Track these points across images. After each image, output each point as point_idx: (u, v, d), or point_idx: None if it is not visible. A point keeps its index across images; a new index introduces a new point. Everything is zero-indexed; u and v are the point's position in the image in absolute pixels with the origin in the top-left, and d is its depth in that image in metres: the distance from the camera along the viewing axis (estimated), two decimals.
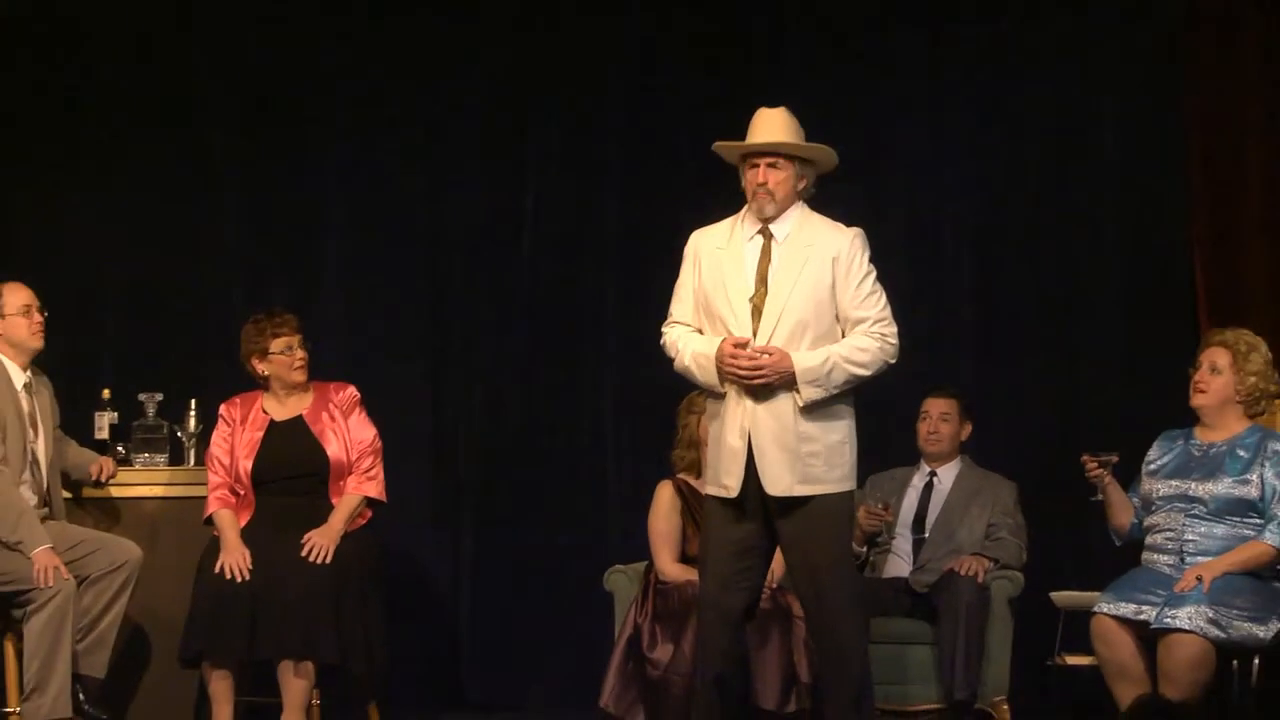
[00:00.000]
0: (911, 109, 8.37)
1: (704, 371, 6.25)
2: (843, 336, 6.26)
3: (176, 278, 8.68)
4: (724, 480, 6.23)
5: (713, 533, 6.33)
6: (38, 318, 7.25)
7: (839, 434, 6.26)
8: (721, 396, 6.26)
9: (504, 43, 8.72)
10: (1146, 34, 8.42)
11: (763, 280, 6.25)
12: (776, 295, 6.22)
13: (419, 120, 8.78)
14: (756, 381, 6.12)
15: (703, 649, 6.44)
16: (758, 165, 6.29)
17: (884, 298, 6.29)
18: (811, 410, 6.19)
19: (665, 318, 6.45)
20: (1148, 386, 8.08)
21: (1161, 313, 8.37)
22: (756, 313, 6.22)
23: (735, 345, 6.13)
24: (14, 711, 7.03)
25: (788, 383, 6.13)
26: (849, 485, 6.33)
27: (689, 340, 6.32)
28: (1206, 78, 8.32)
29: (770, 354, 6.11)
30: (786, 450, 6.17)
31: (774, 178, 6.27)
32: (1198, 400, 6.96)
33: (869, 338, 6.23)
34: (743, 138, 6.38)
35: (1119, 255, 8.47)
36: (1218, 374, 6.93)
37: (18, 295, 7.26)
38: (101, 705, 7.15)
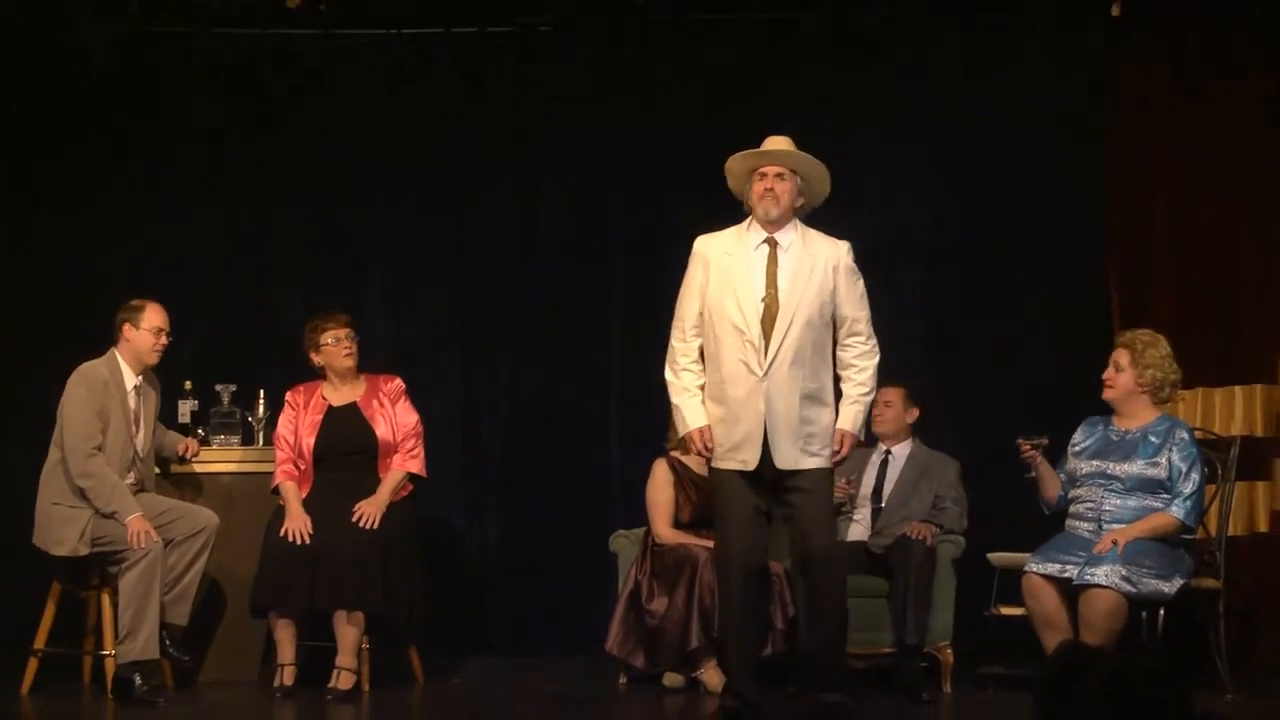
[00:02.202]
0: (870, 143, 8.41)
1: (685, 423, 6.49)
2: (835, 328, 6.41)
3: (246, 287, 8.73)
4: (743, 456, 6.31)
5: (733, 502, 6.39)
6: (164, 340, 7.29)
7: (828, 418, 6.40)
8: (723, 382, 6.35)
9: (520, 79, 8.74)
10: (1071, 76, 8.43)
11: (772, 283, 6.34)
12: (790, 296, 6.32)
13: (448, 150, 8.80)
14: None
15: (729, 602, 6.51)
16: (766, 175, 6.40)
17: (868, 302, 6.48)
18: (810, 399, 6.31)
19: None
20: (1071, 379, 8.08)
21: (1083, 316, 8.36)
22: (769, 312, 6.30)
23: (705, 445, 6.41)
24: (109, 653, 7.08)
25: (796, 377, 6.29)
26: (832, 462, 6.47)
27: (689, 399, 6.48)
28: (1124, 113, 8.33)
29: (842, 449, 6.44)
30: (791, 430, 6.28)
31: (780, 186, 6.38)
32: (1106, 394, 7.06)
33: (864, 359, 6.45)
34: (736, 164, 6.50)
35: (1046, 267, 8.47)
36: (1120, 371, 7.02)
37: (156, 316, 7.30)
38: (183, 648, 7.21)
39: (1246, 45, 8.19)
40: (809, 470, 6.33)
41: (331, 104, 8.77)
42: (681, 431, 6.54)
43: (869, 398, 6.49)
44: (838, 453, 6.42)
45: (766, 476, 6.34)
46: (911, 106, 8.62)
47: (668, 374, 6.54)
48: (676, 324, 6.52)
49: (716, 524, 6.58)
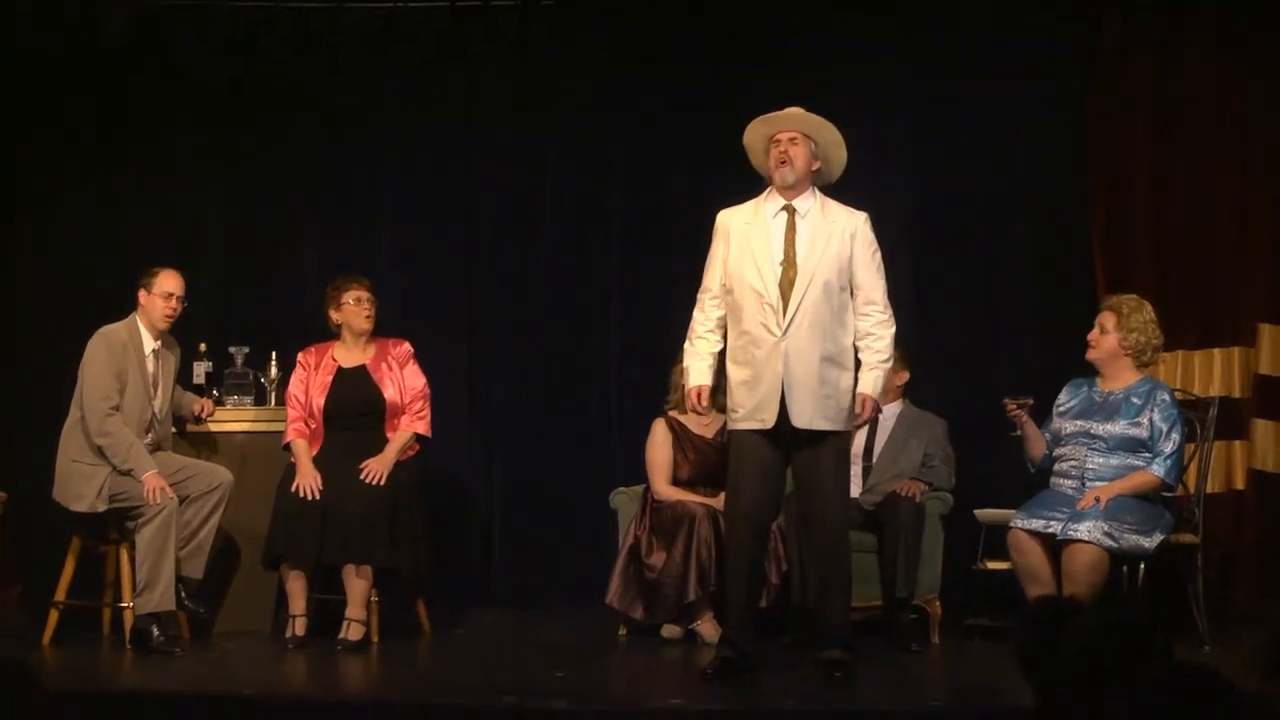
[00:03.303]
0: (858, 113, 8.34)
1: (688, 375, 6.53)
2: (852, 296, 6.39)
3: (260, 253, 8.71)
4: (761, 415, 6.30)
5: (747, 459, 6.37)
6: (175, 305, 7.25)
7: (846, 382, 6.40)
8: (746, 344, 6.34)
9: (526, 60, 8.72)
10: (1055, 48, 8.40)
11: (791, 247, 6.34)
12: (807, 261, 6.32)
13: (458, 126, 8.76)
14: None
15: (733, 557, 6.50)
16: (780, 141, 6.39)
17: (884, 275, 6.47)
18: (829, 362, 6.30)
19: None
20: (1057, 343, 8.08)
21: (1067, 282, 8.33)
22: (786, 276, 6.30)
23: (699, 404, 6.49)
24: (128, 605, 7.09)
25: (815, 339, 6.29)
26: (850, 425, 6.49)
27: (696, 361, 6.51)
28: (1105, 83, 8.28)
29: (863, 413, 6.42)
30: (810, 391, 6.26)
31: (794, 150, 6.38)
32: (1090, 355, 7.05)
33: (881, 328, 6.41)
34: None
35: (1032, 234, 8.45)
36: (1105, 333, 7.00)
37: (168, 282, 7.26)
38: (199, 600, 7.22)
39: (1229, 15, 8.15)
40: (826, 433, 6.33)
41: (343, 73, 8.73)
42: (690, 382, 6.55)
43: (887, 364, 6.47)
44: (858, 416, 6.43)
45: (784, 436, 6.32)
46: (899, 76, 8.60)
47: (686, 344, 6.60)
48: (699, 296, 6.54)
49: (729, 480, 6.56)
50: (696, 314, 6.55)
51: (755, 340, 6.32)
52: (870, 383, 6.40)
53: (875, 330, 6.43)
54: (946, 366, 8.30)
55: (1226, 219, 8.15)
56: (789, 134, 6.42)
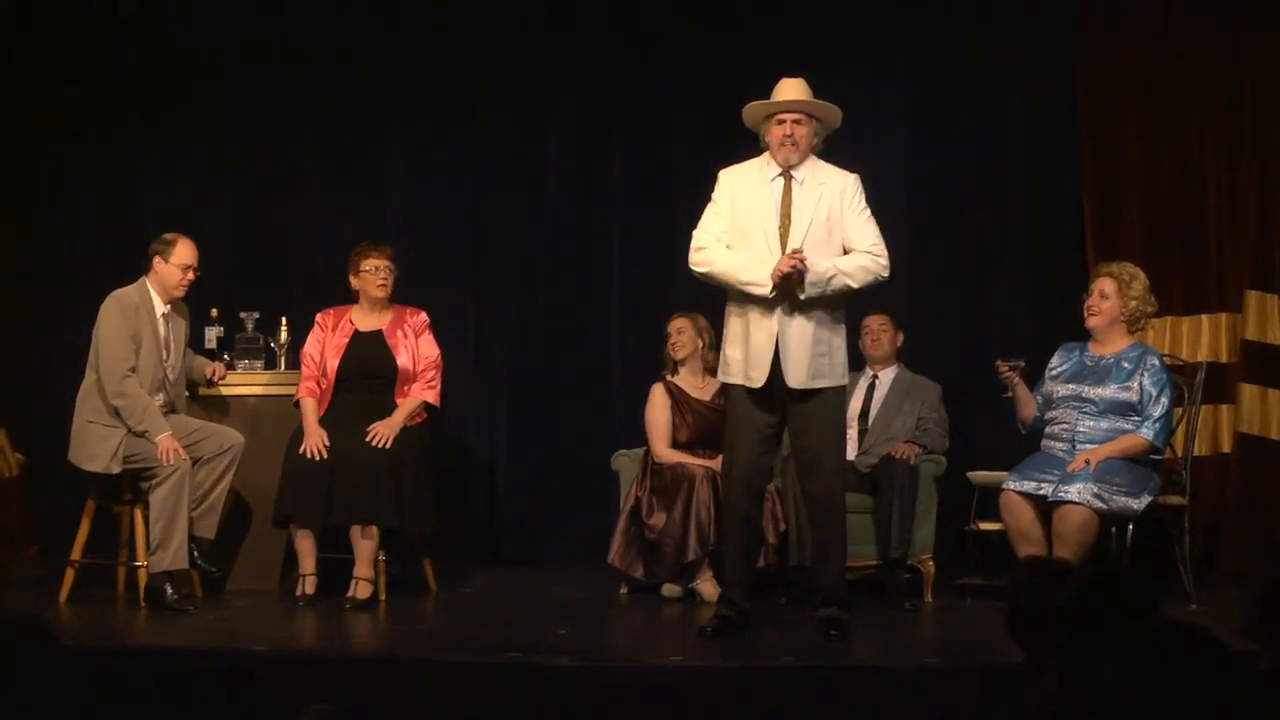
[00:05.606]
0: (852, 81, 8.30)
1: (744, 271, 6.27)
2: (844, 253, 6.35)
3: (270, 220, 8.67)
4: (751, 374, 6.28)
5: (742, 421, 6.37)
6: (190, 276, 7.23)
7: (839, 338, 6.38)
8: (742, 300, 6.30)
9: (529, 22, 8.69)
10: (1045, 16, 8.38)
11: (788, 213, 6.32)
12: (800, 223, 6.30)
13: (462, 89, 8.73)
14: (793, 276, 6.15)
15: (731, 518, 6.52)
16: (785, 121, 6.36)
17: (876, 226, 6.41)
18: (823, 319, 6.28)
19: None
20: (1049, 307, 8.10)
21: (1058, 249, 8.37)
22: (783, 240, 6.28)
23: (793, 253, 6.18)
24: (142, 564, 7.09)
25: (809, 300, 6.22)
26: (844, 380, 6.48)
27: (728, 255, 6.33)
28: (1094, 51, 8.27)
29: (780, 265, 6.18)
30: (804, 349, 6.24)
31: (799, 131, 6.36)
32: (1091, 321, 7.02)
33: (864, 256, 6.33)
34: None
35: (1024, 201, 8.46)
36: (1106, 299, 6.99)
37: (185, 253, 7.23)
38: (211, 559, 7.20)
39: None
40: (821, 394, 6.32)
41: (348, 37, 8.70)
42: (748, 275, 6.30)
43: (845, 278, 6.30)
44: (780, 270, 6.21)
45: (778, 395, 6.30)
46: (893, 45, 8.60)
47: (696, 258, 6.43)
48: (699, 234, 6.44)
49: (725, 443, 6.56)
50: (696, 236, 6.43)
51: (752, 299, 6.31)
52: (824, 267, 6.23)
53: (861, 258, 6.33)
54: (941, 331, 8.30)
55: (1214, 187, 8.15)
56: (794, 115, 6.39)
